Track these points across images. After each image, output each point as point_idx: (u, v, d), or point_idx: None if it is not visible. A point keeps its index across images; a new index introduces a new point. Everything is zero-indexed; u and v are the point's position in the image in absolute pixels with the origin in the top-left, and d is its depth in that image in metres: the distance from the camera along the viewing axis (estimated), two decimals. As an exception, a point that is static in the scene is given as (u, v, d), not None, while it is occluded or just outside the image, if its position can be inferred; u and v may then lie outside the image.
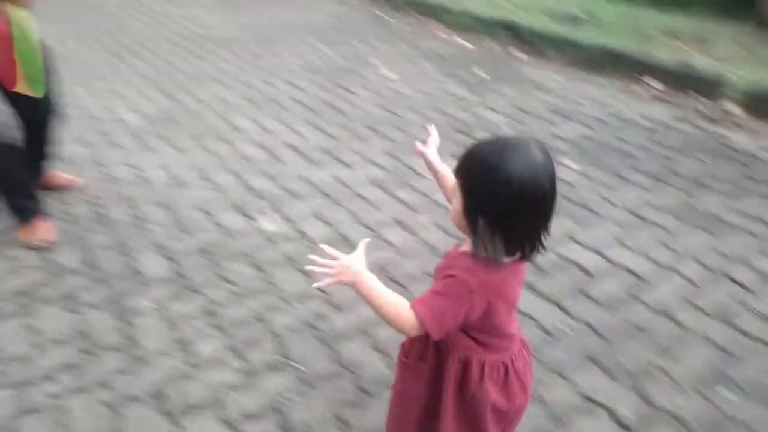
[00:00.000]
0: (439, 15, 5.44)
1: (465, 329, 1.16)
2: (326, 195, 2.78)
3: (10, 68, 2.21)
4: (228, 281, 2.22)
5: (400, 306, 1.10)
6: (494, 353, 1.20)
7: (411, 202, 2.72)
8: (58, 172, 2.75)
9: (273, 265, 2.31)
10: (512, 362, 1.23)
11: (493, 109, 3.63)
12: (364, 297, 1.13)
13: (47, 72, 2.38)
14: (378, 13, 5.82)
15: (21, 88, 2.25)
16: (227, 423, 1.67)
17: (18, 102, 2.36)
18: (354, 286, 1.12)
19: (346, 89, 4.02)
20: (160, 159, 3.11)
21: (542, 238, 1.09)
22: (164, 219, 2.60)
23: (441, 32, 5.20)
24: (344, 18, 5.69)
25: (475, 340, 1.17)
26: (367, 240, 1.22)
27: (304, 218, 2.60)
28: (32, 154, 2.52)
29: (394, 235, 2.50)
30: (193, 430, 1.66)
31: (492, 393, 1.21)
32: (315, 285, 1.18)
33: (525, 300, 1.91)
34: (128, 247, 2.41)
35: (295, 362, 1.87)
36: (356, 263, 1.13)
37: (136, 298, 2.14)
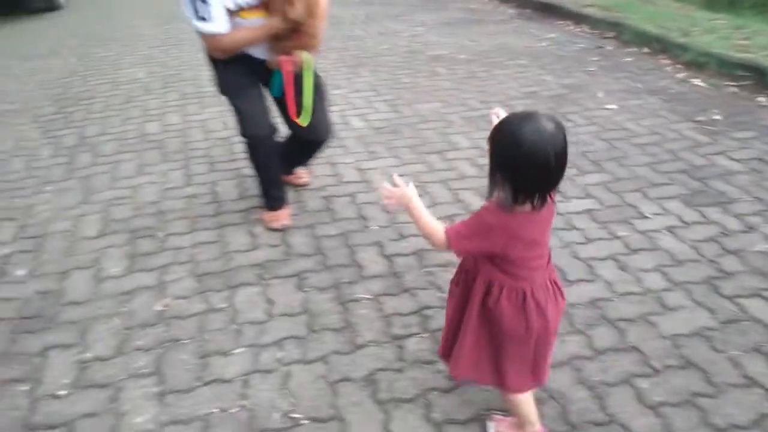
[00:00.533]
0: (672, 51, 5.11)
1: (491, 258, 1.45)
2: (539, 220, 2.75)
3: (293, 102, 2.50)
4: (437, 287, 2.31)
5: (436, 227, 1.46)
6: (514, 280, 1.45)
7: (630, 242, 2.59)
8: (299, 169, 3.07)
9: (482, 280, 2.35)
10: (532, 291, 1.45)
11: (730, 157, 3.31)
12: (413, 216, 1.49)
13: (321, 100, 2.65)
14: (600, 43, 5.63)
15: (300, 119, 2.54)
16: (433, 423, 1.73)
17: (296, 125, 2.60)
18: (407, 207, 1.49)
19: (564, 116, 3.94)
20: (382, 165, 3.33)
21: (549, 193, 1.35)
22: (383, 220, 2.77)
23: (671, 69, 4.88)
24: (563, 46, 5.60)
25: (498, 267, 1.45)
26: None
27: (516, 240, 2.60)
28: (295, 159, 2.86)
29: (609, 272, 2.40)
30: (399, 421, 1.74)
31: (507, 312, 1.46)
32: (384, 202, 1.65)
33: None
34: (351, 240, 2.61)
35: (500, 379, 1.88)
36: (411, 191, 1.50)
37: (355, 288, 2.31)
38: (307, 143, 2.76)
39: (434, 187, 3.07)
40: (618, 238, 2.62)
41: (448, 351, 1.66)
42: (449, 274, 2.35)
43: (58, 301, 2.32)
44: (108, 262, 2.54)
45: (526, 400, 1.62)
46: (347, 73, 4.82)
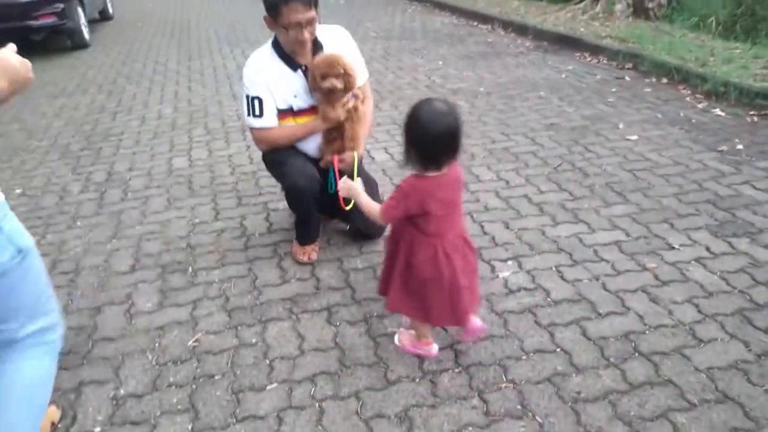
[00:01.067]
0: (691, 81, 5.13)
1: (412, 219, 1.85)
2: (566, 252, 2.75)
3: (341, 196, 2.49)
4: (468, 322, 2.30)
5: (375, 207, 1.95)
6: (428, 237, 1.86)
7: (659, 273, 2.57)
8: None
9: (512, 314, 2.34)
10: (443, 246, 1.86)
11: (755, 187, 3.30)
12: (359, 202, 2.02)
13: (372, 195, 2.68)
14: (619, 74, 5.68)
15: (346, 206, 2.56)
16: (469, 460, 1.72)
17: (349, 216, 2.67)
18: (355, 196, 2.04)
19: (585, 147, 3.97)
20: (406, 197, 3.36)
21: (449, 160, 1.78)
22: (410, 253, 2.79)
23: (690, 99, 4.89)
24: (581, 76, 5.65)
25: (417, 227, 1.86)
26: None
27: (544, 273, 2.60)
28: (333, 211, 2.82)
29: (640, 304, 2.38)
30: (435, 458, 1.73)
31: (422, 262, 1.87)
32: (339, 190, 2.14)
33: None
34: (379, 273, 2.62)
35: (535, 415, 1.87)
36: (357, 186, 2.05)
37: (385, 321, 2.32)
38: (360, 234, 2.87)
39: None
40: (647, 269, 2.61)
41: (385, 289, 2.07)
42: (481, 309, 2.36)
43: (91, 337, 2.35)
44: (140, 297, 2.58)
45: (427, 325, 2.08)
46: (369, 107, 4.89)
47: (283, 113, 2.54)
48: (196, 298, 2.54)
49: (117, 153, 4.26)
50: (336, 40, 2.60)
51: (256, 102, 2.48)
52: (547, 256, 2.73)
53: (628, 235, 2.89)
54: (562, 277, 2.57)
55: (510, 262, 2.69)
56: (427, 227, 1.85)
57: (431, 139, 1.73)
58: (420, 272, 1.89)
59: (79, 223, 3.26)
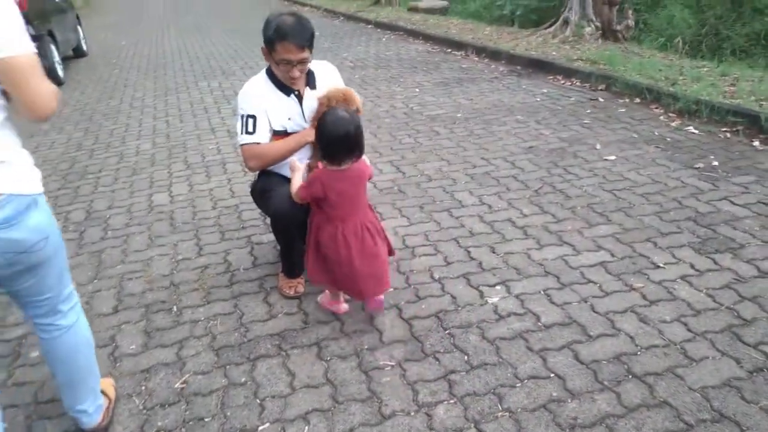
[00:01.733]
0: (663, 100, 5.25)
1: (318, 204, 2.28)
2: (553, 275, 2.76)
3: None
4: (460, 350, 2.28)
5: (296, 186, 2.32)
6: (331, 221, 2.27)
7: (646, 293, 2.59)
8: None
9: (504, 340, 2.33)
10: (342, 229, 2.26)
11: (734, 202, 3.36)
12: (292, 181, 2.36)
13: None
14: (592, 95, 5.79)
15: None
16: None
17: None
18: (293, 173, 2.38)
19: (565, 169, 4.01)
20: (391, 225, 3.35)
21: (348, 159, 2.22)
22: (398, 282, 2.77)
23: (664, 117, 5.00)
24: (556, 99, 5.75)
25: (323, 212, 2.28)
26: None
27: (532, 297, 2.60)
28: None
29: (630, 325, 2.39)
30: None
31: (325, 241, 2.28)
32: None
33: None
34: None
35: (534, 444, 1.85)
36: (301, 167, 2.40)
37: (376, 354, 2.29)
38: None
39: (446, 246, 3.09)
40: (634, 289, 2.62)
41: (306, 263, 2.47)
42: (473, 336, 2.35)
43: (74, 383, 2.28)
44: (124, 339, 2.51)
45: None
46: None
47: (277, 135, 2.57)
48: (182, 337, 2.49)
49: (95, 191, 4.19)
50: (326, 72, 2.69)
51: (250, 120, 2.52)
52: (534, 279, 2.74)
53: (612, 255, 2.91)
54: (550, 301, 2.57)
55: (498, 287, 2.68)
56: (331, 212, 2.26)
57: (332, 141, 2.19)
58: (324, 249, 2.30)
59: (58, 265, 3.18)
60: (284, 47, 2.38)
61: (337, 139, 2.17)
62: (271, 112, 2.55)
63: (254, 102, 2.54)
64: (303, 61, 2.44)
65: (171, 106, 6.48)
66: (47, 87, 1.52)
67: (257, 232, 3.35)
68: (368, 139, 4.85)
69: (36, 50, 1.50)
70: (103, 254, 3.26)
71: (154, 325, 2.59)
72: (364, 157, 2.32)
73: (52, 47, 7.84)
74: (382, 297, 2.43)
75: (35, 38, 7.17)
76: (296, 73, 2.45)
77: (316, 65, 2.68)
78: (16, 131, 1.60)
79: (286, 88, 2.57)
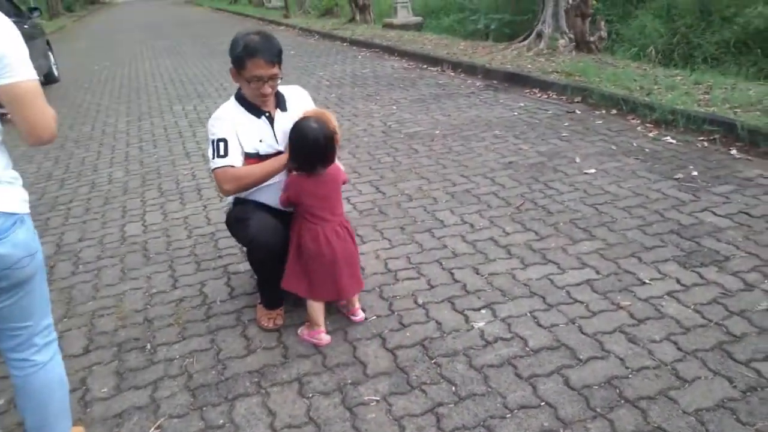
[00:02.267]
0: (639, 111, 5.26)
1: (297, 206, 2.41)
2: (539, 296, 2.70)
3: None
4: (448, 380, 2.20)
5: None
6: (312, 222, 2.38)
7: (634, 311, 2.54)
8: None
9: (492, 367, 2.26)
10: (323, 230, 2.37)
11: (715, 213, 3.34)
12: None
13: None
14: (569, 107, 5.79)
15: None
16: None
17: None
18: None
19: (546, 184, 3.98)
20: (372, 248, 3.27)
21: (319, 165, 2.35)
22: (380, 308, 2.69)
23: (641, 128, 5.01)
24: (533, 113, 5.74)
25: (303, 214, 2.40)
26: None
27: (519, 320, 2.54)
28: None
29: (619, 346, 2.33)
30: None
31: (306, 242, 2.37)
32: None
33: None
34: (350, 335, 2.52)
35: (527, 480, 1.77)
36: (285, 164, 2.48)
37: (360, 389, 2.20)
38: None
39: (429, 268, 3.02)
40: (621, 308, 2.57)
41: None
42: (460, 365, 2.27)
43: None
44: (95, 381, 2.39)
45: (318, 309, 2.48)
46: (326, 157, 4.81)
47: (250, 158, 2.52)
48: (157, 377, 2.38)
49: (66, 223, 4.06)
50: (297, 96, 2.68)
51: (221, 144, 2.47)
52: (520, 301, 2.67)
53: (598, 272, 2.86)
54: (538, 323, 2.50)
55: (484, 311, 2.62)
56: (309, 213, 2.38)
57: (303, 149, 2.33)
58: (305, 249, 2.37)
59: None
60: (254, 64, 2.36)
61: (307, 146, 2.31)
62: (242, 134, 2.49)
63: (224, 126, 2.48)
64: (273, 77, 2.43)
65: (144, 131, 6.36)
66: (49, 111, 1.59)
67: (234, 261, 3.25)
68: (347, 159, 4.80)
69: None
70: (74, 290, 3.14)
71: (126, 365, 2.47)
72: (337, 162, 2.47)
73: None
74: (362, 315, 2.60)
75: (3, 66, 7.09)
76: (267, 89, 2.44)
77: (286, 89, 2.66)
78: (8, 153, 1.63)
79: (256, 110, 2.53)
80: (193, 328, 2.68)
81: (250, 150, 2.50)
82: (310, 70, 9.12)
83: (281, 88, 2.60)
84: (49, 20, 25.63)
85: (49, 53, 10.36)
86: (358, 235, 3.41)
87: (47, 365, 1.78)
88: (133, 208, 4.20)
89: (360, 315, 2.61)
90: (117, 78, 10.21)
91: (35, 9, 10.23)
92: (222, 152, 2.44)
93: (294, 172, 2.43)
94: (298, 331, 2.56)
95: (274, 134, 2.54)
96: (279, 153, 2.53)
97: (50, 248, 3.67)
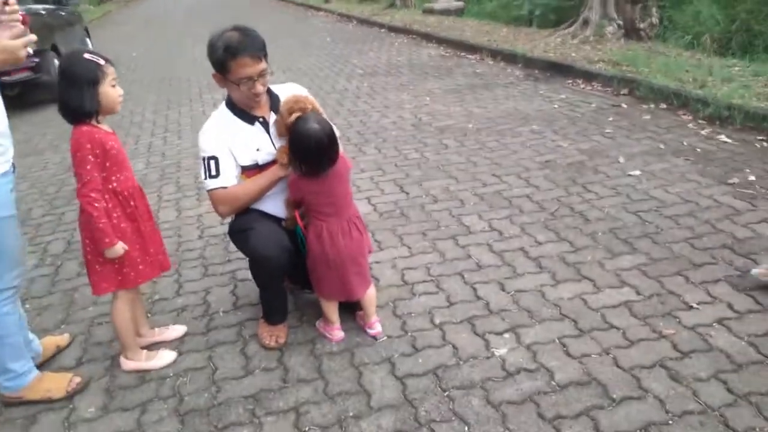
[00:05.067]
0: (692, 105, 4.85)
1: (305, 204, 2.26)
2: (570, 319, 2.41)
3: None
4: (461, 418, 1.96)
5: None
6: (317, 219, 2.23)
7: (678, 341, 2.23)
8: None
9: (512, 404, 2.00)
10: (328, 227, 2.20)
11: (775, 225, 2.98)
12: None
13: None
14: (614, 101, 5.40)
15: None
16: None
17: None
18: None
19: (584, 187, 3.66)
20: (389, 257, 3.04)
21: (322, 166, 2.16)
22: (393, 327, 2.46)
23: (693, 125, 4.60)
24: (575, 106, 5.37)
25: (310, 211, 2.25)
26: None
27: (546, 347, 2.26)
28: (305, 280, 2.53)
29: (659, 384, 2.03)
30: None
31: (311, 239, 2.24)
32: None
33: None
34: (357, 357, 2.29)
35: None
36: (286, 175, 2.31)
37: (362, 423, 1.97)
38: None
39: (449, 282, 2.76)
40: (664, 336, 2.27)
41: None
42: (475, 400, 2.03)
43: (23, 454, 2.01)
44: (83, 399, 2.23)
45: (331, 305, 2.37)
46: (352, 152, 4.58)
47: (248, 170, 2.33)
48: (147, 398, 2.20)
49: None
50: (291, 91, 2.43)
51: (212, 162, 2.28)
52: (548, 324, 2.39)
53: (638, 293, 2.55)
54: (567, 353, 2.22)
55: (507, 335, 2.35)
56: (314, 210, 2.23)
57: (307, 155, 2.13)
58: (310, 247, 2.25)
59: (27, 306, 2.93)
60: (239, 63, 2.17)
61: (311, 151, 2.12)
62: (235, 147, 2.29)
63: (214, 141, 2.29)
64: (263, 74, 2.23)
65: (171, 121, 6.25)
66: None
67: (242, 266, 3.05)
68: (372, 154, 4.57)
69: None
70: (77, 293, 3.00)
71: (117, 383, 2.31)
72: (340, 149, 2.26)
73: (55, 62, 7.66)
74: (379, 328, 2.41)
75: (37, 53, 7.07)
76: (259, 87, 2.24)
77: (280, 89, 2.44)
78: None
79: (249, 117, 2.33)
80: (191, 342, 2.50)
81: (248, 163, 2.31)
82: (344, 58, 8.88)
83: (274, 88, 2.40)
84: (98, 5, 26.06)
85: (87, 40, 10.40)
86: (376, 241, 3.19)
87: None
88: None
89: (377, 328, 2.40)
90: (152, 65, 10.18)
91: (74, -4, 10.23)
92: (214, 172, 2.26)
93: (295, 174, 2.24)
94: (316, 323, 2.50)
95: (272, 140, 2.33)
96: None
97: (59, 246, 3.56)
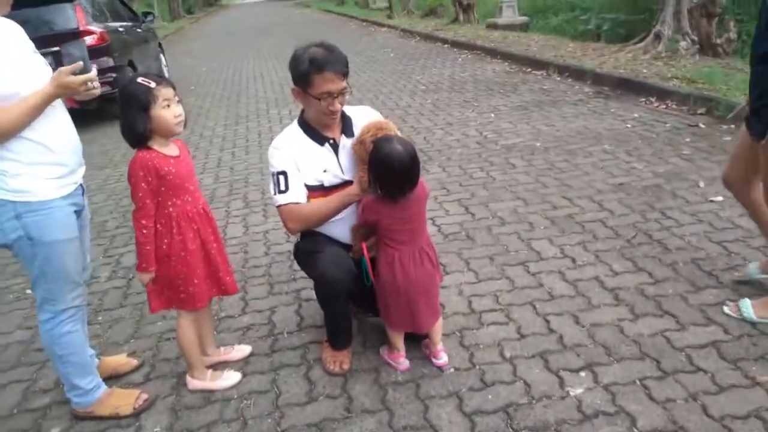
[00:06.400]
0: (779, 126, 4.53)
1: (376, 229, 2.19)
2: (652, 359, 2.26)
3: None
4: (533, 463, 1.85)
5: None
6: (388, 246, 2.16)
7: (775, 390, 2.05)
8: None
9: (589, 451, 1.87)
10: (399, 255, 2.15)
11: None
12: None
13: None
14: (691, 120, 5.14)
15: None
16: None
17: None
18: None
19: (662, 213, 3.46)
20: (455, 282, 2.95)
21: (403, 189, 2.09)
22: (460, 358, 2.37)
23: (781, 146, 4.30)
24: (650, 125, 5.14)
25: (381, 238, 2.19)
26: None
27: (626, 389, 2.12)
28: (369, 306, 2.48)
29: (755, 436, 1.87)
30: None
31: (382, 266, 2.18)
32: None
33: None
34: (423, 389, 2.22)
35: None
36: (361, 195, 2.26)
37: (429, 463, 1.89)
38: None
39: (520, 311, 2.65)
40: (758, 383, 2.09)
41: None
42: (549, 461, 1.90)
43: (92, 470, 2.03)
44: (150, 417, 2.25)
45: (398, 333, 2.31)
46: (415, 171, 4.52)
47: (313, 191, 2.31)
48: (211, 420, 2.19)
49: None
50: (366, 115, 2.41)
51: (281, 177, 2.28)
52: (628, 363, 2.25)
53: (726, 332, 2.37)
54: (649, 396, 2.08)
55: (583, 374, 2.22)
56: (386, 238, 2.16)
57: (390, 177, 2.06)
58: (380, 275, 2.19)
59: (100, 318, 3.01)
60: (323, 78, 2.15)
61: (395, 173, 2.05)
62: (302, 163, 2.28)
63: (282, 157, 2.28)
64: (343, 92, 2.22)
65: (239, 136, 6.38)
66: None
67: (307, 285, 3.03)
68: (435, 173, 4.50)
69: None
70: (146, 307, 3.03)
71: (183, 402, 2.31)
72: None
73: (132, 77, 8.00)
74: (445, 359, 2.33)
75: (115, 68, 7.39)
76: (337, 105, 2.23)
77: (354, 111, 2.41)
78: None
79: (319, 137, 2.31)
80: (255, 363, 2.49)
81: (313, 182, 2.29)
82: (407, 74, 8.87)
83: (348, 110, 2.37)
84: (171, 22, 27.20)
85: (161, 56, 10.81)
86: (441, 264, 3.10)
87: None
88: (216, 219, 4.11)
89: (443, 359, 2.32)
90: (221, 80, 10.48)
91: (149, 14, 10.63)
92: (283, 187, 2.25)
93: (374, 196, 2.16)
94: (380, 350, 2.44)
95: (339, 163, 2.31)
96: (345, 183, 2.28)
97: (131, 259, 3.63)
